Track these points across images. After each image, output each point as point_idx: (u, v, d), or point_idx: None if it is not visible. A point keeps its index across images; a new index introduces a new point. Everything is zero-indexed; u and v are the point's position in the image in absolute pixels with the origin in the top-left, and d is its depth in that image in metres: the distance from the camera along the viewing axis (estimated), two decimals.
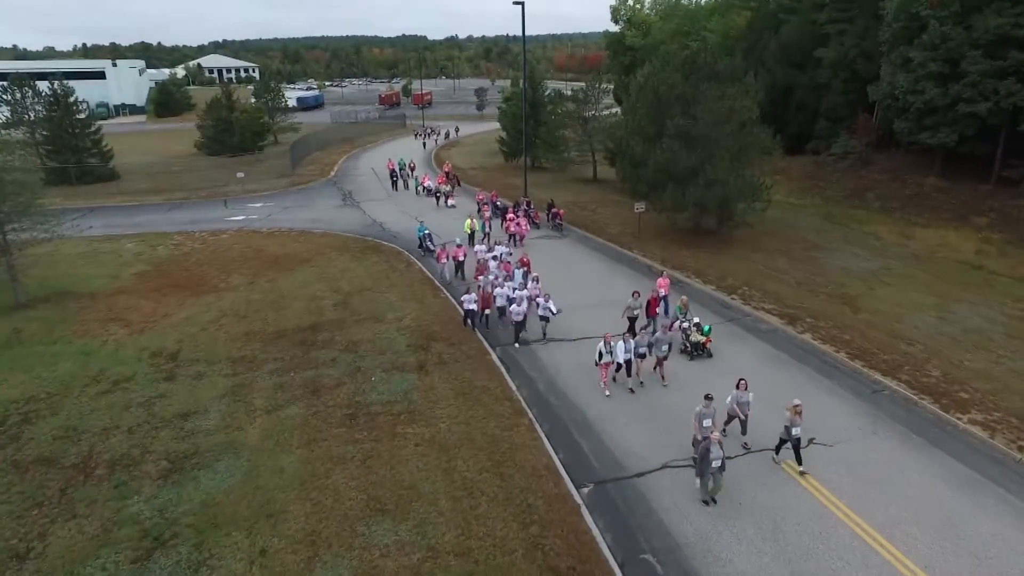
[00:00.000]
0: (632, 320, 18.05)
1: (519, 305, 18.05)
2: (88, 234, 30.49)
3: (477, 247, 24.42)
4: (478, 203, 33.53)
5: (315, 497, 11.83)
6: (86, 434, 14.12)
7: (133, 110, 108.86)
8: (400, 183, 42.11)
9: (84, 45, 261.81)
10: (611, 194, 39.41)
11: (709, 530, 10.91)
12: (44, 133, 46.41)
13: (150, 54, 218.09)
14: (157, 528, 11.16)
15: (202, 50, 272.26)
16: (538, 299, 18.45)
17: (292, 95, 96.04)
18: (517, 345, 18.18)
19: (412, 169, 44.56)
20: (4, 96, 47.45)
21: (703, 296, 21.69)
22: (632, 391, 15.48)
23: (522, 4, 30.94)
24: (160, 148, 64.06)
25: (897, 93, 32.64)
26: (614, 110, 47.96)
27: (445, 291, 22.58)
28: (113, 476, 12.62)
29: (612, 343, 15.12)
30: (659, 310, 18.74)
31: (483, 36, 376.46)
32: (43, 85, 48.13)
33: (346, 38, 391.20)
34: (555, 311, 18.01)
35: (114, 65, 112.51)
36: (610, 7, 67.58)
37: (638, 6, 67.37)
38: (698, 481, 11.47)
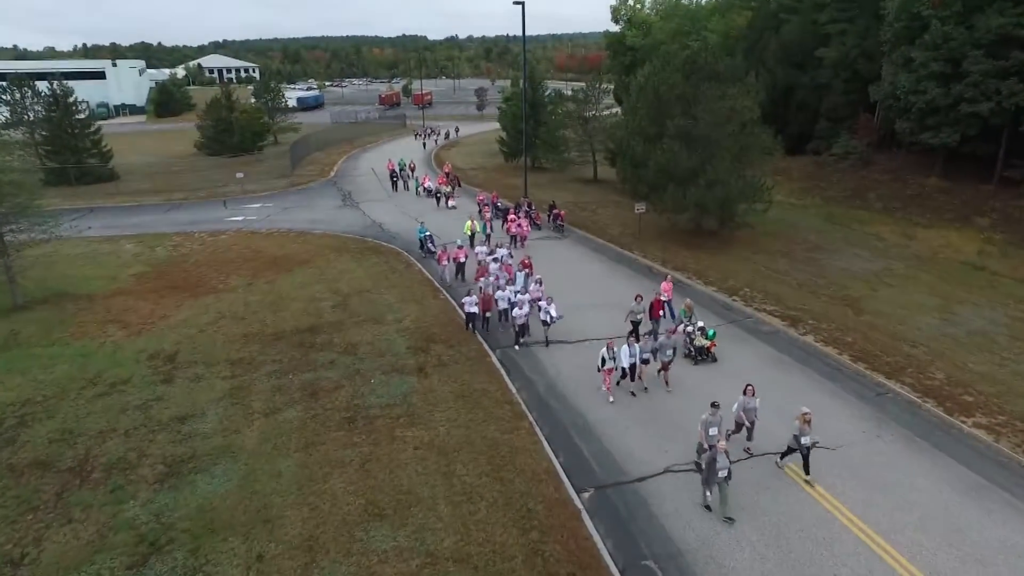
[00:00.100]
0: (635, 324, 17.82)
1: (521, 308, 17.88)
2: (87, 235, 30.39)
3: (478, 248, 24.28)
4: (478, 204, 33.37)
5: (313, 502, 11.70)
6: (82, 437, 13.99)
7: (133, 110, 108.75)
8: (400, 184, 41.96)
9: (84, 45, 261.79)
10: (611, 195, 39.28)
11: (711, 536, 10.78)
12: (43, 133, 46.27)
13: (150, 54, 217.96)
14: (153, 533, 11.03)
15: (202, 50, 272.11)
16: (540, 303, 18.24)
17: (292, 95, 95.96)
18: (517, 347, 18.05)
19: (412, 170, 44.42)
20: (3, 96, 47.29)
21: (704, 297, 21.56)
22: (633, 394, 15.32)
23: (522, 4, 30.83)
24: (160, 148, 63.97)
25: (899, 93, 32.52)
26: (614, 110, 47.82)
27: (445, 292, 22.45)
28: (109, 480, 12.50)
29: (615, 348, 14.90)
30: (662, 314, 18.48)
31: (483, 36, 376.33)
32: (42, 85, 47.99)
33: (346, 38, 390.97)
34: (556, 316, 17.76)
35: (114, 65, 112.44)
36: (610, 7, 67.51)
37: (638, 6, 67.27)
38: (707, 493, 11.27)
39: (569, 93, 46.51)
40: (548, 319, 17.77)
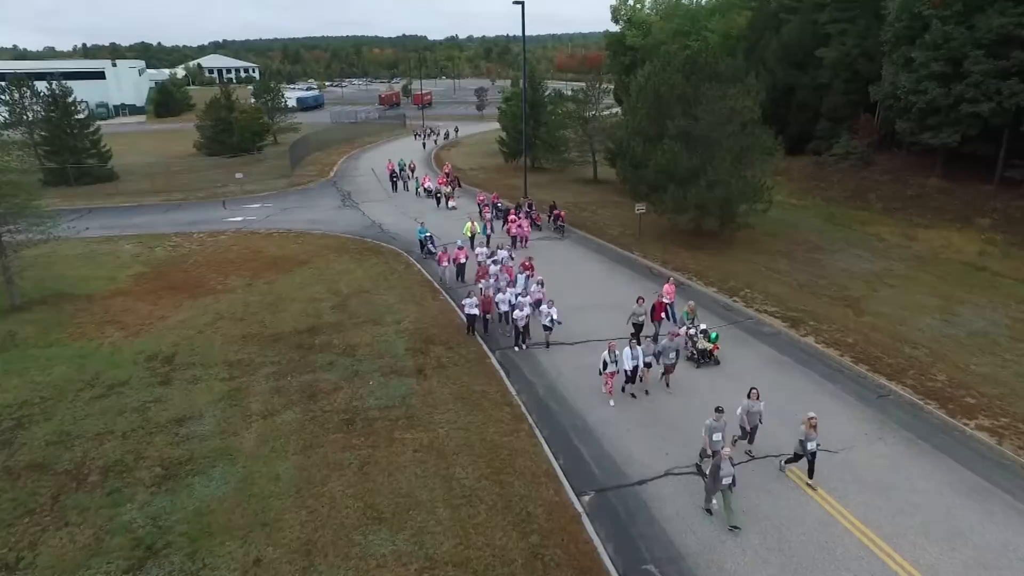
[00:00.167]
0: (637, 326, 17.66)
1: (522, 311, 17.69)
2: (86, 235, 30.31)
3: (478, 250, 24.09)
4: (479, 205, 33.29)
5: (311, 505, 11.62)
6: (80, 439, 13.92)
7: (133, 110, 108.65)
8: (400, 184, 41.85)
9: (84, 45, 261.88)
10: (612, 195, 39.20)
11: (713, 540, 10.70)
12: (42, 133, 46.17)
13: (150, 54, 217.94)
14: (150, 537, 10.95)
15: (202, 50, 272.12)
16: (542, 307, 17.91)
17: (292, 95, 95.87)
18: (517, 348, 17.94)
19: (412, 170, 44.31)
20: (2, 96, 47.20)
21: (705, 298, 21.47)
22: (634, 396, 15.21)
23: (522, 4, 30.76)
24: (159, 148, 63.86)
25: (899, 93, 32.43)
26: (614, 110, 47.76)
27: (444, 293, 22.37)
28: (106, 483, 12.42)
29: (617, 351, 14.73)
30: (664, 316, 18.22)
31: (483, 36, 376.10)
32: (42, 85, 47.90)
33: (346, 38, 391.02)
34: (557, 320, 17.54)
35: (114, 65, 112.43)
36: (610, 7, 67.35)
37: (638, 6, 67.13)
38: (713, 501, 11.12)
39: (569, 93, 46.41)
40: (549, 322, 17.55)
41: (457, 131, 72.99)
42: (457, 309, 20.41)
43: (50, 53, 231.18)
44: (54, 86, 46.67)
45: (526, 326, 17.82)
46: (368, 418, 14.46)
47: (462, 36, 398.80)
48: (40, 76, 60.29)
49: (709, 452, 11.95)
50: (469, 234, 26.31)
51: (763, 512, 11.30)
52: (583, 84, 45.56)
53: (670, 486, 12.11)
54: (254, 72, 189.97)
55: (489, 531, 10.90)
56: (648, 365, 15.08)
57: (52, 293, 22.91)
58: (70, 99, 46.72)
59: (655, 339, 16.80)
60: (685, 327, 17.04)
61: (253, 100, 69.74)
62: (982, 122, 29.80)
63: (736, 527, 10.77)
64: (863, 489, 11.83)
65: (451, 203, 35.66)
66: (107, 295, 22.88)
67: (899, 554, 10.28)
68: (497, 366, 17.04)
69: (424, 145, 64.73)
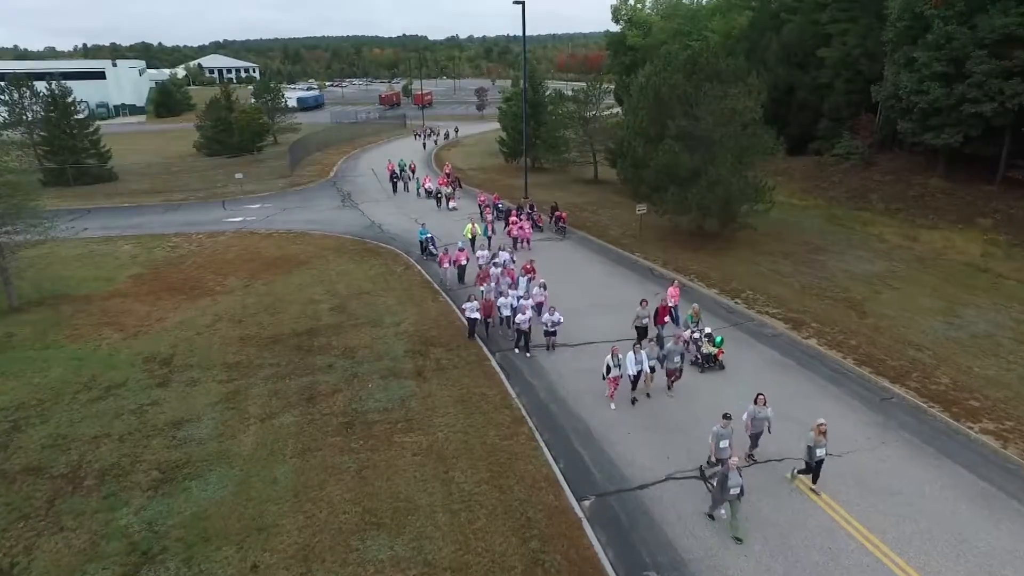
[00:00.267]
0: (642, 330, 17.42)
1: (523, 314, 17.38)
2: (84, 236, 30.23)
3: (479, 253, 23.78)
4: (479, 206, 33.17)
5: (309, 510, 11.50)
6: (76, 443, 13.80)
7: (133, 110, 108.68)
8: (400, 185, 41.71)
9: (85, 45, 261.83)
10: (612, 195, 39.08)
11: (715, 545, 10.57)
12: (42, 134, 46.11)
13: (151, 54, 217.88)
14: (146, 542, 10.84)
15: (203, 50, 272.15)
16: (545, 314, 17.48)
17: (292, 95, 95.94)
18: (517, 350, 17.76)
19: (413, 171, 44.21)
20: (2, 96, 47.12)
21: (706, 300, 21.33)
22: (635, 401, 14.96)
23: (523, 4, 30.63)
24: (159, 148, 63.83)
25: (901, 93, 32.29)
26: (615, 111, 47.63)
27: (444, 295, 22.24)
28: (102, 487, 12.30)
29: (620, 355, 14.47)
30: (668, 320, 18.00)
31: (484, 36, 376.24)
32: (41, 85, 47.80)
33: (347, 38, 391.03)
34: (559, 320, 17.30)
35: (114, 65, 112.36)
36: (611, 7, 67.30)
37: (639, 6, 67.07)
38: (721, 511, 10.90)
39: (570, 93, 46.29)
40: (551, 327, 17.23)
41: (457, 131, 72.90)
42: (457, 311, 20.27)
43: (51, 53, 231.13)
44: (53, 86, 46.57)
45: (527, 330, 17.52)
46: (367, 421, 14.33)
47: (463, 36, 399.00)
48: (40, 76, 60.21)
49: (714, 459, 11.77)
50: (470, 235, 26.15)
51: (766, 517, 11.16)
52: (584, 84, 45.46)
53: (672, 490, 11.97)
54: (254, 72, 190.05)
55: (489, 536, 10.77)
56: (652, 369, 14.80)
57: (50, 294, 22.82)
58: (69, 99, 46.62)
59: (659, 343, 16.64)
60: (689, 330, 16.79)
61: (253, 100, 69.63)
62: (984, 122, 29.65)
63: (739, 539, 10.60)
64: (867, 494, 11.69)
65: (451, 204, 35.53)
66: (105, 296, 22.78)
67: (904, 560, 10.15)
68: (497, 368, 16.91)
69: (424, 145, 64.63)
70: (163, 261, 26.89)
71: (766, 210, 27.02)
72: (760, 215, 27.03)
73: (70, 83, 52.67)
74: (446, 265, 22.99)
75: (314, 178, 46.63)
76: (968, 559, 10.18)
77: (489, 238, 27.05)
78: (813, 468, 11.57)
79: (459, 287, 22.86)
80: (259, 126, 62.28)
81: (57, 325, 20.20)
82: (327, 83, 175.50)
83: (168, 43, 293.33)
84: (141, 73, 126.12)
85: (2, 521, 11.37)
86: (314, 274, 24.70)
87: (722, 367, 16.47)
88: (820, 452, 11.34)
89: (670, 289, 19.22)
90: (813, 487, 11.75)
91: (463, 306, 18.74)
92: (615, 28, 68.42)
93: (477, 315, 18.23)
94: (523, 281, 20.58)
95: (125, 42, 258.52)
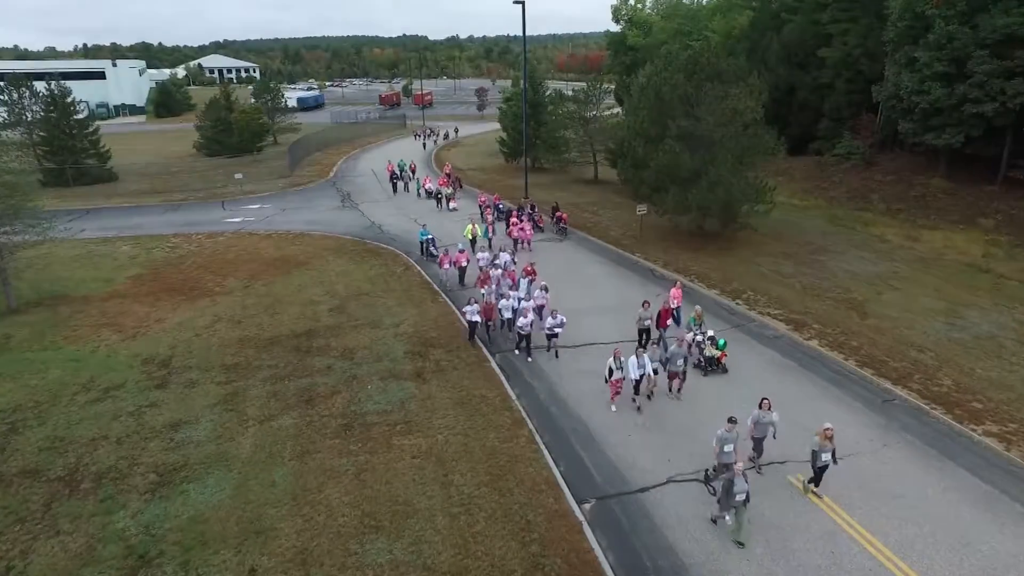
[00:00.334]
0: (644, 331, 17.26)
1: (525, 317, 17.13)
2: (83, 236, 30.16)
3: (480, 255, 23.43)
4: (480, 206, 33.07)
5: (307, 513, 11.42)
6: (73, 445, 13.73)
7: (133, 110, 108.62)
8: (401, 185, 41.61)
9: (85, 45, 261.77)
10: (613, 196, 39.00)
11: (716, 549, 10.49)
12: (41, 134, 46.02)
13: (151, 54, 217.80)
14: (143, 545, 10.76)
15: (203, 50, 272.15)
16: (548, 318, 17.23)
17: (292, 95, 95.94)
18: (518, 351, 17.65)
19: (413, 171, 44.11)
20: (1, 97, 47.06)
21: (707, 301, 21.24)
22: (640, 410, 14.63)
23: (523, 4, 30.55)
24: (159, 149, 63.74)
25: (902, 93, 32.23)
26: (615, 111, 47.55)
27: (444, 296, 22.16)
28: (99, 490, 12.22)
29: (622, 358, 14.29)
30: (670, 322, 17.80)
31: (484, 36, 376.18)
32: (40, 85, 47.73)
33: (347, 38, 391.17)
34: (562, 323, 17.11)
35: (114, 65, 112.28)
36: (611, 7, 67.33)
37: (639, 6, 67.06)
38: (726, 516, 10.75)
39: (570, 93, 46.23)
40: (553, 329, 16.97)
41: (457, 131, 72.82)
42: (457, 312, 20.18)
43: (51, 53, 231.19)
44: (53, 86, 46.48)
45: (529, 334, 17.25)
46: (366, 423, 14.25)
47: (463, 36, 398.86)
48: (40, 76, 60.16)
49: (716, 463, 11.65)
50: (470, 236, 26.06)
51: (767, 519, 11.08)
52: (584, 84, 45.39)
53: (673, 494, 11.89)
54: (255, 72, 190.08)
55: (488, 540, 10.69)
56: (655, 372, 14.60)
57: (48, 295, 22.75)
58: (69, 99, 46.52)
59: (663, 345, 16.51)
60: (692, 333, 16.56)
61: (253, 100, 69.57)
62: (985, 123, 29.60)
63: (741, 543, 10.50)
64: (869, 497, 11.61)
65: (452, 204, 35.44)
66: (104, 297, 22.70)
67: (907, 564, 10.06)
68: (497, 370, 16.82)
69: (424, 146, 64.55)
70: (162, 262, 26.81)
71: (767, 211, 26.93)
72: (761, 215, 26.95)
73: (70, 83, 52.63)
74: (446, 266, 22.88)
75: (314, 178, 46.55)
76: (971, 563, 10.09)
77: (490, 239, 26.94)
78: (817, 473, 11.45)
79: (459, 288, 22.76)
80: (259, 126, 62.21)
81: (55, 326, 20.13)
82: (327, 83, 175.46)
83: (168, 43, 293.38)
84: (141, 73, 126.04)
85: None
86: (313, 275, 24.61)
87: (725, 370, 16.31)
88: (825, 457, 11.19)
89: (672, 290, 19.07)
90: (815, 490, 11.66)
91: (463, 309, 18.59)
92: (615, 28, 68.49)
93: (478, 318, 18.05)
94: (524, 283, 20.38)
95: (125, 42, 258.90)
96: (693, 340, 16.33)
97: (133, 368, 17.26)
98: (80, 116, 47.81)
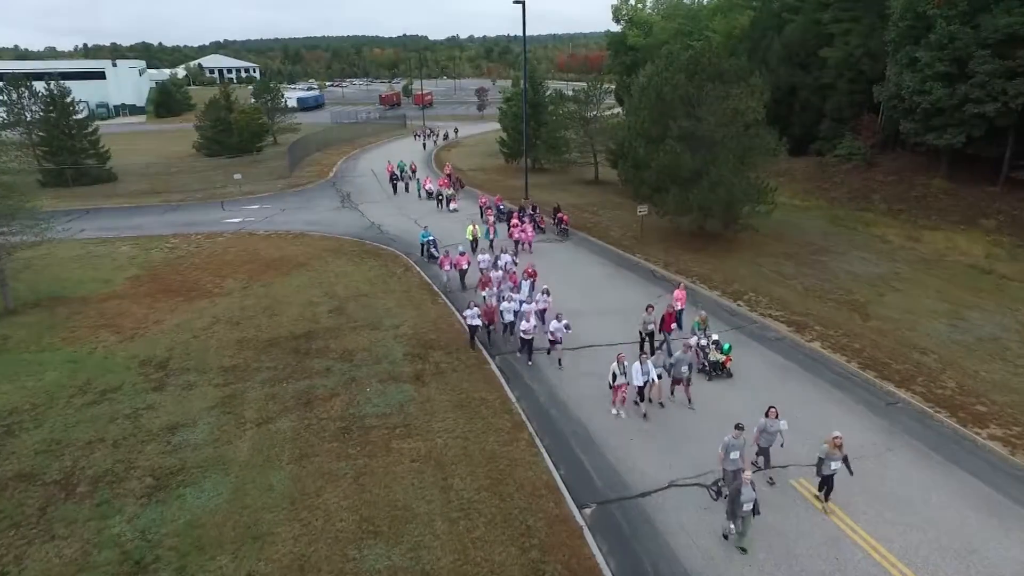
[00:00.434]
0: (647, 335, 17.01)
1: (527, 321, 16.90)
2: (82, 237, 30.05)
3: (480, 257, 23.03)
4: (481, 207, 32.92)
5: (305, 518, 11.30)
6: (70, 448, 13.61)
7: (133, 110, 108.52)
8: (401, 186, 41.46)
9: (85, 45, 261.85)
10: (613, 196, 38.87)
11: (719, 555, 10.37)
12: (40, 134, 45.91)
13: (151, 54, 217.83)
14: (139, 551, 10.64)
15: (203, 50, 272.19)
16: (552, 323, 16.81)
17: (292, 95, 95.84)
18: (519, 355, 17.45)
19: (414, 171, 43.94)
20: (0, 97, 46.95)
21: (708, 302, 21.13)
22: (646, 417, 14.40)
23: (523, 4, 30.42)
24: (159, 149, 63.59)
25: (903, 93, 32.05)
26: (616, 111, 47.43)
27: (444, 297, 22.03)
28: (96, 494, 12.11)
29: (625, 363, 14.08)
30: (673, 325, 17.58)
31: (484, 36, 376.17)
32: (40, 85, 47.62)
33: (347, 38, 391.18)
34: (567, 328, 16.72)
35: (114, 65, 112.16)
36: (612, 7, 67.12)
37: (639, 6, 66.89)
38: (730, 525, 10.53)
39: (570, 93, 46.06)
40: (557, 336, 16.59)
41: (457, 132, 72.68)
42: (457, 314, 20.05)
43: (51, 53, 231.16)
44: (52, 86, 46.36)
45: (531, 339, 17.00)
46: (365, 426, 14.13)
47: (463, 36, 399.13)
48: (40, 76, 60.00)
49: (721, 469, 11.48)
50: (471, 238, 25.88)
51: (769, 525, 10.94)
52: (584, 84, 45.26)
53: (674, 498, 11.76)
54: (255, 72, 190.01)
55: (488, 546, 10.57)
56: (659, 377, 14.40)
57: (46, 296, 22.64)
58: (68, 99, 46.41)
59: (668, 350, 16.32)
60: (696, 338, 16.34)
61: (253, 100, 69.44)
62: (987, 123, 29.43)
63: (743, 549, 10.37)
64: (873, 502, 11.48)
65: (452, 205, 35.30)
66: (102, 298, 22.59)
67: (911, 570, 9.95)
68: (497, 372, 16.69)
69: (424, 146, 64.41)
70: (161, 262, 26.70)
71: (768, 211, 26.80)
72: (762, 216, 26.82)
73: (70, 83, 52.55)
74: (447, 268, 22.73)
75: (313, 179, 46.43)
76: (978, 570, 9.97)
77: (491, 241, 26.72)
78: (824, 481, 11.23)
79: (460, 290, 22.62)
80: (259, 126, 62.06)
81: (53, 327, 20.02)
82: (327, 83, 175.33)
83: (168, 43, 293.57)
84: (141, 73, 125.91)
85: None
86: (313, 276, 24.49)
87: (730, 375, 16.08)
88: (834, 466, 10.95)
89: (676, 292, 18.90)
90: (818, 494, 11.53)
91: (464, 313, 18.22)
92: (616, 28, 68.27)
93: (478, 322, 17.70)
94: (526, 285, 20.12)
95: (125, 42, 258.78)
96: (697, 344, 16.11)
97: (130, 370, 17.14)
98: (79, 116, 47.68)
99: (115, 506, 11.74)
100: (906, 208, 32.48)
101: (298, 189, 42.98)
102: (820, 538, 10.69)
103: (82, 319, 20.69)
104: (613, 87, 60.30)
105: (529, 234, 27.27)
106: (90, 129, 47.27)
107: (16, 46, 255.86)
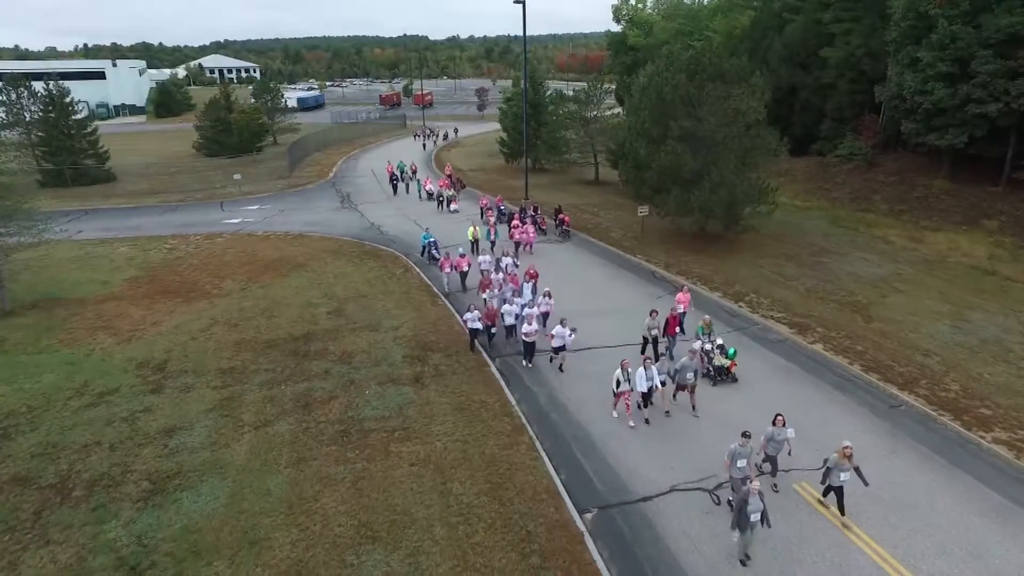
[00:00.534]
0: (652, 341, 16.81)
1: (529, 324, 16.66)
2: (81, 238, 29.92)
3: (481, 258, 22.67)
4: (481, 208, 32.78)
5: (302, 522, 11.18)
6: (66, 451, 13.49)
7: (133, 110, 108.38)
8: (401, 186, 41.32)
9: (85, 45, 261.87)
10: (614, 197, 38.76)
11: (721, 561, 10.25)
12: (39, 134, 45.77)
13: (151, 54, 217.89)
14: (135, 556, 10.52)
15: (203, 50, 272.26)
16: (557, 327, 16.38)
17: (292, 95, 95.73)
18: (525, 362, 17.15)
19: (414, 172, 43.77)
20: (0, 97, 46.84)
21: (709, 303, 21.02)
22: (647, 422, 14.22)
23: (523, 4, 30.31)
24: (158, 149, 63.48)
25: (905, 94, 31.94)
26: (616, 111, 47.32)
27: (444, 299, 21.91)
28: (91, 498, 11.98)
29: (629, 369, 13.91)
30: (677, 330, 17.26)
31: (484, 36, 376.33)
32: (39, 85, 47.51)
33: (347, 38, 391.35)
34: (569, 334, 16.33)
35: (114, 65, 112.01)
36: (612, 7, 66.98)
37: (640, 6, 66.74)
38: (735, 535, 10.22)
39: (570, 93, 45.99)
40: (562, 342, 16.25)
41: (457, 132, 72.57)
42: (456, 315, 19.92)
43: (51, 53, 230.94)
44: (51, 86, 46.24)
45: (533, 343, 16.79)
46: (363, 429, 14.01)
47: (463, 36, 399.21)
48: (40, 76, 59.89)
49: (727, 477, 11.32)
50: (472, 239, 25.70)
51: (774, 531, 10.78)
52: (584, 84, 45.13)
53: (676, 503, 11.64)
54: (255, 72, 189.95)
55: (488, 551, 10.45)
56: (663, 383, 14.20)
57: (44, 297, 22.50)
58: (67, 99, 46.28)
59: (671, 355, 16.16)
60: (700, 342, 16.08)
61: (253, 100, 69.33)
62: (989, 123, 29.33)
63: (747, 555, 10.22)
64: (877, 507, 11.36)
65: (453, 206, 35.17)
66: (100, 299, 22.46)
67: None
68: (496, 374, 16.57)
69: (424, 146, 64.30)
70: (159, 263, 26.57)
71: (769, 212, 26.69)
72: (763, 217, 26.70)
73: (70, 83, 52.47)
74: (447, 269, 22.58)
75: (313, 179, 46.31)
76: (982, 575, 9.84)
77: (492, 242, 26.53)
78: (832, 489, 11.02)
79: (461, 292, 22.49)
80: (258, 126, 61.93)
81: (50, 329, 19.90)
82: (327, 83, 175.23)
83: (168, 43, 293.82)
84: (141, 73, 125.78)
85: None
86: (312, 277, 24.37)
87: (735, 380, 15.87)
88: (844, 476, 10.72)
89: (679, 295, 18.61)
90: (822, 499, 11.42)
91: (464, 316, 17.92)
92: (616, 28, 68.11)
93: (479, 325, 17.48)
94: (527, 287, 19.86)
95: (125, 42, 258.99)
96: (701, 349, 15.90)
97: (128, 372, 17.02)
98: (79, 116, 47.55)
99: (111, 510, 11.62)
100: (908, 209, 32.37)
101: (298, 189, 42.86)
102: (824, 543, 10.57)
103: (80, 321, 20.57)
104: (613, 87, 60.19)
105: (531, 235, 27.12)
106: (89, 129, 47.12)
107: (16, 46, 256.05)
